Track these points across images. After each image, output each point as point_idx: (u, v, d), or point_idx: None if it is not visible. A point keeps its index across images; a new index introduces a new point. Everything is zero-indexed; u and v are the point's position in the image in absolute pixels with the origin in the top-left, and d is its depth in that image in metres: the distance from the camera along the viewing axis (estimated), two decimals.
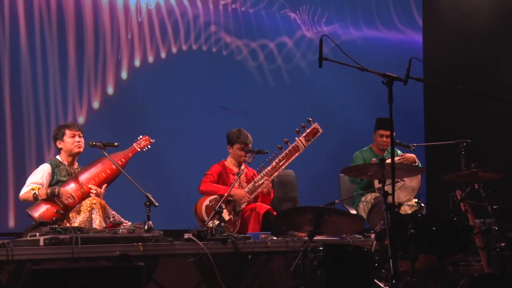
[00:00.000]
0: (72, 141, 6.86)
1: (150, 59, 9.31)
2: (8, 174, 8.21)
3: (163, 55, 9.42)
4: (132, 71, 9.18)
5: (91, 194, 6.68)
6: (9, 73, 8.37)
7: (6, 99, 8.32)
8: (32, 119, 8.48)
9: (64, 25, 8.76)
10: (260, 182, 7.44)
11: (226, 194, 7.14)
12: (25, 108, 8.44)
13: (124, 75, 9.13)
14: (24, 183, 6.81)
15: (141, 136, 7.12)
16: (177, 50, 9.52)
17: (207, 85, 9.61)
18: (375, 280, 5.50)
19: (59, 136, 6.89)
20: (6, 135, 8.31)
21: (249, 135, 7.63)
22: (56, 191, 6.58)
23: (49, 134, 8.07)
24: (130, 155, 6.99)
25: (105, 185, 6.81)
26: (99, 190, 6.73)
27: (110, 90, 9.04)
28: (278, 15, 10.26)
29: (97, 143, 6.78)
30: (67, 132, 6.87)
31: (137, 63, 9.23)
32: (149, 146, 7.13)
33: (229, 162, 7.68)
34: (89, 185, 6.72)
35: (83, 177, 6.78)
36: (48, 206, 6.60)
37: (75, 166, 6.95)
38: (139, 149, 7.05)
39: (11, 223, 8.12)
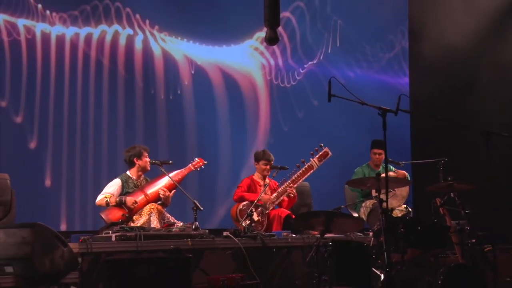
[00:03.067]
0: (148, 161, 6.84)
1: None
2: (88, 188, 8.13)
3: None
4: None
5: (160, 194, 6.67)
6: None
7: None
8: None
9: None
10: (280, 197, 7.43)
11: (255, 201, 7.18)
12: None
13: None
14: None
15: (197, 159, 7.06)
16: None
17: None
18: (373, 269, 5.48)
19: (138, 155, 6.84)
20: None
21: (271, 154, 7.62)
22: (123, 200, 6.60)
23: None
24: (186, 172, 6.92)
25: (174, 190, 6.78)
26: (167, 193, 6.73)
27: None
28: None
29: (156, 161, 6.84)
30: (145, 153, 6.85)
31: None
32: (202, 167, 7.06)
33: (256, 176, 7.68)
34: (160, 189, 6.70)
35: (147, 188, 6.76)
36: (116, 211, 6.62)
37: (141, 179, 6.93)
38: (193, 169, 7.00)
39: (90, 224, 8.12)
